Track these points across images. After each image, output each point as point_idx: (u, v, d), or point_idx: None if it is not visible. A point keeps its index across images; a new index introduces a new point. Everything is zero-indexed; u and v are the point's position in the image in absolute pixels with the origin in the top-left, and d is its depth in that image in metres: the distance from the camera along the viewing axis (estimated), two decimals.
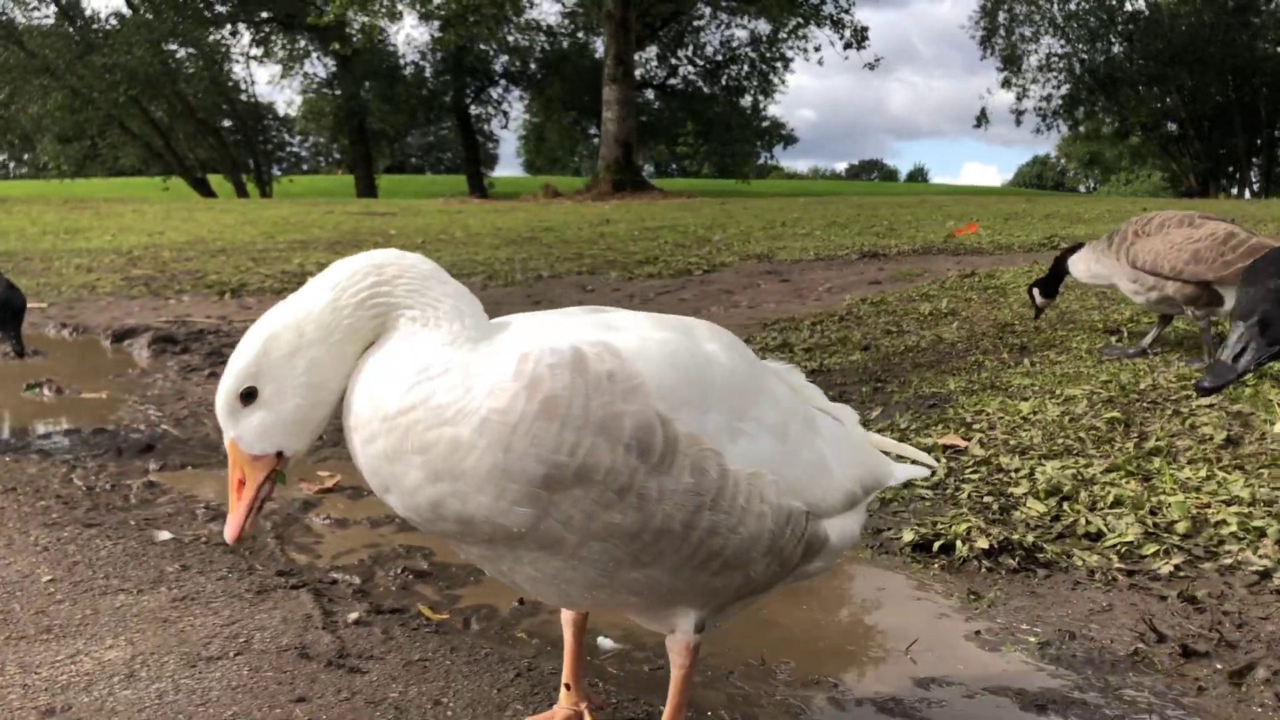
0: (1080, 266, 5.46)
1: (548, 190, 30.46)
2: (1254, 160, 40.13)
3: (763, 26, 40.18)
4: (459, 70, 44.04)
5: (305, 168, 58.69)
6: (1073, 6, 37.97)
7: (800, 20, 34.40)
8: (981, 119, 40.89)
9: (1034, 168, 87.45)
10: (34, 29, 37.65)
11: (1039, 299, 5.79)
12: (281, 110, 48.92)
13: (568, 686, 2.03)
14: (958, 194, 37.75)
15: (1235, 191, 38.33)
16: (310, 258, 12.29)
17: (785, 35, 37.21)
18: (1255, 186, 39.96)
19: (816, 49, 36.16)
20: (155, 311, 8.95)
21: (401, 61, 44.56)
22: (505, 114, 47.19)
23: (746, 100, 44.35)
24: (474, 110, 46.78)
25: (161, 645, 2.34)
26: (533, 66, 44.48)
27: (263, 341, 1.58)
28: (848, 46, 33.13)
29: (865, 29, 32.77)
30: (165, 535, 3.20)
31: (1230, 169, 40.37)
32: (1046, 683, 2.29)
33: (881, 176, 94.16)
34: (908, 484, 3.60)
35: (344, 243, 14.89)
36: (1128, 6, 37.78)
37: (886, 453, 2.16)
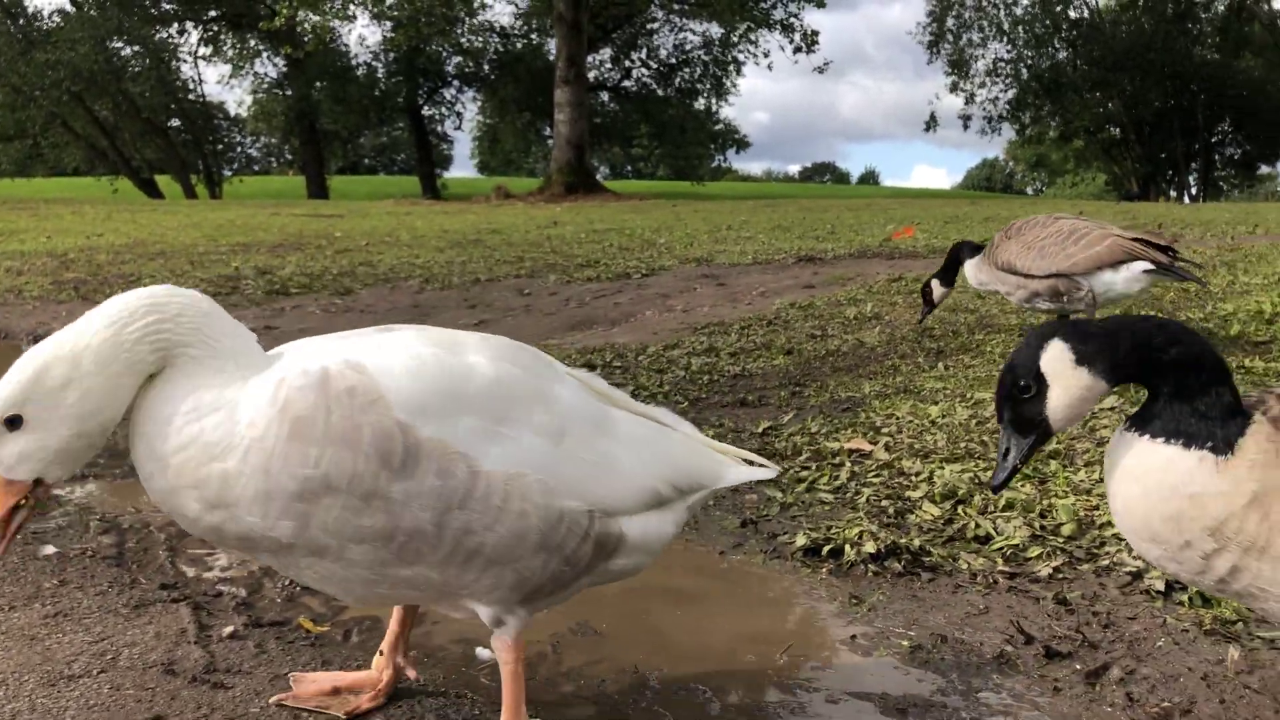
0: (970, 274, 5.75)
1: (499, 192, 30.34)
2: (1192, 165, 41.03)
3: (715, 30, 40.36)
4: (412, 71, 43.75)
5: (256, 168, 57.97)
6: (1019, 12, 38.59)
7: (751, 24, 34.61)
8: (931, 123, 41.42)
9: (983, 170, 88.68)
10: None
11: (937, 291, 5.93)
12: (232, 110, 48.24)
13: (381, 652, 2.18)
14: (906, 197, 38.19)
15: (1174, 195, 39.17)
16: (249, 261, 12.16)
17: (736, 39, 37.39)
18: (1193, 190, 40.88)
19: (766, 54, 36.43)
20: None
21: (353, 62, 44.16)
22: (459, 115, 46.96)
23: (700, 103, 44.51)
24: (427, 111, 46.49)
25: (25, 664, 2.31)
26: (486, 68, 44.30)
27: (35, 370, 1.62)
28: (797, 50, 33.38)
29: (815, 33, 33.07)
30: (50, 549, 3.15)
31: (1169, 173, 41.25)
32: (912, 687, 2.33)
33: (834, 179, 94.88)
34: (754, 487, 3.66)
35: (286, 245, 14.73)
36: (1071, 13, 38.44)
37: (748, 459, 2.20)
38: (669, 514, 2.05)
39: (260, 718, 2.08)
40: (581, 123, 31.37)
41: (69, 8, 38.89)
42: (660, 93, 44.31)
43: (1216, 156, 42.24)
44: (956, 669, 2.41)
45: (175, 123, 44.24)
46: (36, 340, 7.52)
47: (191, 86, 45.47)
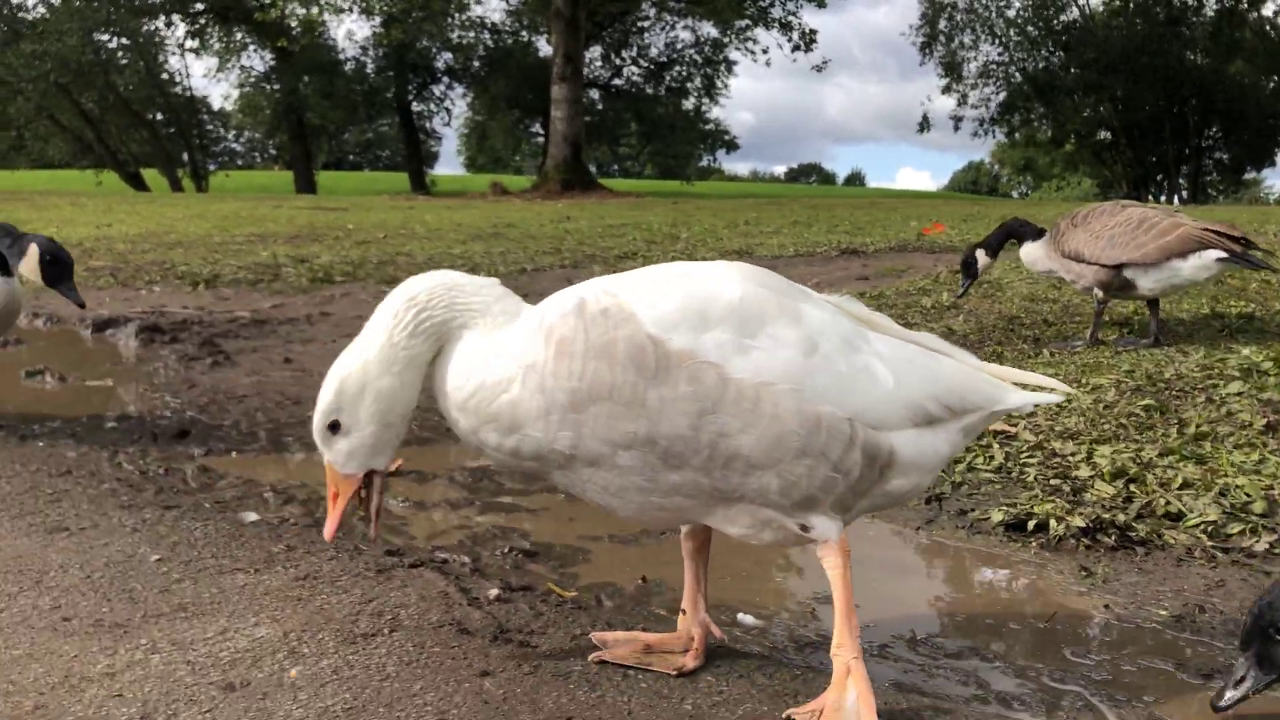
0: (1029, 257, 5.77)
1: (496, 188, 30.20)
2: (1182, 168, 41.51)
3: (707, 29, 40.38)
4: (401, 66, 43.44)
5: (240, 163, 57.39)
6: (1011, 14, 38.87)
7: (749, 22, 34.65)
8: (925, 124, 41.65)
9: (969, 173, 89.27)
10: None
11: (981, 260, 5.95)
12: (217, 104, 47.79)
13: (683, 612, 2.21)
14: (900, 197, 38.37)
15: (1164, 199, 39.61)
16: (280, 251, 12.04)
17: (731, 38, 37.43)
18: (1184, 194, 41.35)
19: (764, 51, 36.49)
20: (127, 302, 8.67)
21: (342, 57, 43.82)
22: (448, 111, 46.70)
23: (689, 102, 44.52)
24: (416, 107, 46.21)
25: (308, 623, 2.27)
26: (476, 64, 44.09)
27: (338, 382, 1.93)
28: (795, 49, 33.47)
29: (814, 32, 33.15)
30: (252, 516, 3.10)
31: (1159, 176, 41.70)
32: (1200, 653, 2.33)
33: (820, 180, 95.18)
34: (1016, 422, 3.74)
35: (303, 236, 14.61)
36: (1064, 16, 38.78)
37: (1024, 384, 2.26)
38: (941, 433, 2.10)
39: (584, 675, 2.05)
40: (578, 120, 31.28)
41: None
42: (650, 91, 44.29)
43: (1207, 161, 42.77)
44: (1232, 636, 2.41)
45: (160, 116, 43.72)
46: (94, 326, 7.42)
47: (178, 79, 44.97)
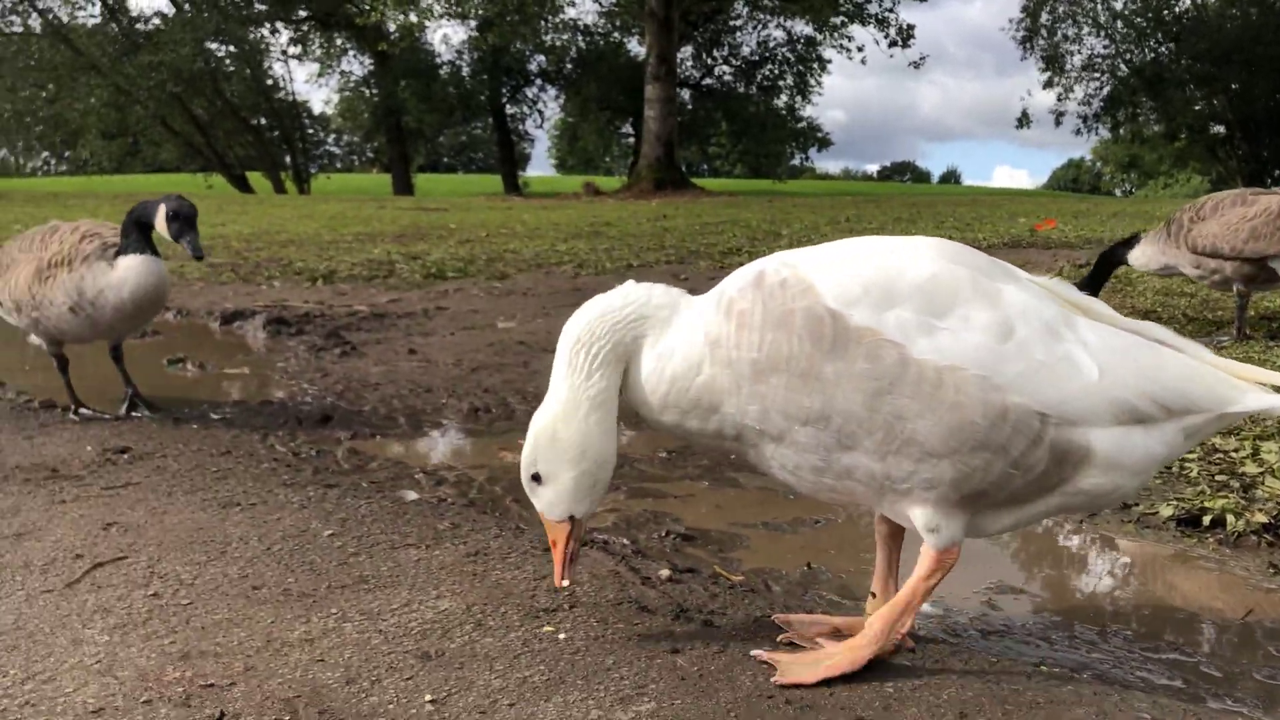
0: (1142, 258, 5.54)
1: (589, 189, 30.41)
2: None
3: (800, 27, 39.98)
4: (496, 69, 44.01)
5: (339, 166, 58.89)
6: (1118, 6, 37.60)
7: (844, 19, 34.22)
8: (1024, 120, 40.57)
9: (1068, 171, 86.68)
10: (80, 28, 37.90)
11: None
12: (317, 109, 49.09)
13: (873, 595, 2.16)
14: (1001, 195, 37.43)
15: None
16: (391, 250, 12.28)
17: (825, 35, 37.00)
18: None
19: (860, 49, 35.92)
20: (249, 296, 8.93)
21: (438, 61, 44.60)
22: (540, 113, 47.15)
23: (781, 100, 44.15)
24: (509, 109, 46.77)
25: (488, 597, 2.28)
26: (568, 66, 44.44)
27: (534, 436, 1.97)
28: (892, 45, 32.92)
29: (911, 27, 32.52)
30: (412, 495, 3.14)
31: (1277, 172, 39.81)
32: None
33: (914, 178, 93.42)
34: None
35: (408, 235, 14.90)
36: (1176, 7, 37.35)
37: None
38: (1155, 433, 1.92)
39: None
40: (671, 119, 31.26)
41: (169, 9, 39.87)
42: (741, 90, 44.06)
43: None
44: None
45: (264, 120, 45.06)
46: (222, 318, 7.65)
47: (281, 85, 46.32)
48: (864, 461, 1.86)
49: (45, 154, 49.29)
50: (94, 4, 38.30)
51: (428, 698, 1.82)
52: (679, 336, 1.93)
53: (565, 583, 2.03)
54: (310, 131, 51.13)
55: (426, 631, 2.10)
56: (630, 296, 1.98)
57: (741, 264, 2.08)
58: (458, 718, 1.76)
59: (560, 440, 1.95)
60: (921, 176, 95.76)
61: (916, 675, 1.95)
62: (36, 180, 48.08)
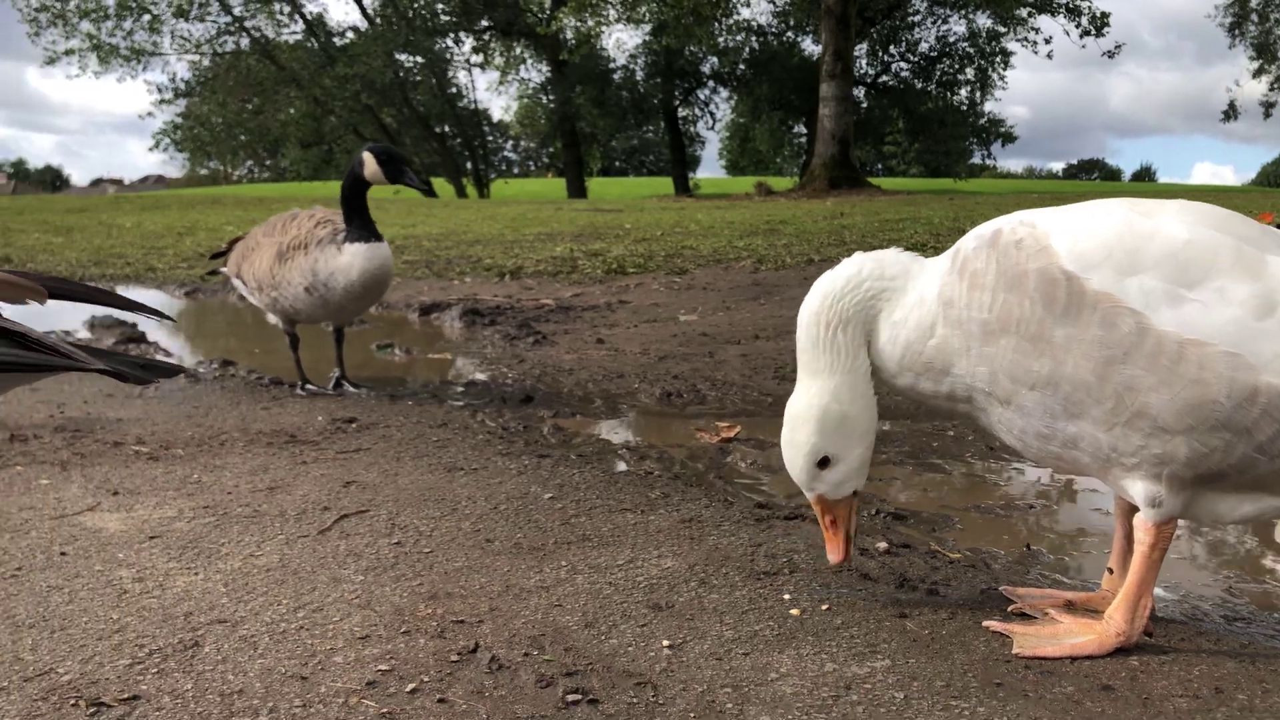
0: None
1: (761, 189, 30.27)
2: None
3: (982, 20, 38.61)
4: (669, 72, 44.43)
5: (516, 171, 60.78)
6: None
7: (1031, 10, 32.83)
8: (1230, 113, 37.89)
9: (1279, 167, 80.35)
10: (283, 45, 40.53)
11: None
12: (495, 116, 50.82)
13: (1109, 571, 2.11)
14: (1203, 192, 35.11)
15: None
16: (573, 248, 12.60)
17: (1011, 28, 35.59)
18: None
19: (1047, 41, 34.39)
20: (443, 290, 9.34)
21: (612, 66, 45.39)
22: (712, 115, 47.31)
23: (961, 95, 42.75)
24: (681, 112, 47.12)
25: (708, 559, 2.34)
26: (741, 67, 44.40)
27: (817, 422, 1.97)
28: (1085, 35, 31.34)
29: (1105, 15, 30.84)
30: (622, 466, 3.24)
31: None
32: None
33: (1103, 176, 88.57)
34: None
35: (586, 235, 15.23)
36: None
37: None
38: None
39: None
40: (847, 117, 30.73)
41: (362, 23, 42.11)
42: (919, 86, 42.92)
43: None
44: None
45: (448, 128, 46.92)
46: (420, 310, 8.03)
47: (464, 94, 48.14)
48: (1090, 431, 1.81)
49: (249, 163, 52.93)
50: (296, 22, 40.88)
51: (664, 643, 1.89)
52: (913, 302, 1.94)
53: (840, 559, 2.02)
54: (490, 139, 52.96)
55: (654, 586, 2.17)
56: (865, 270, 1.98)
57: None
58: (695, 663, 1.81)
59: (850, 420, 1.97)
60: (1111, 174, 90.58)
61: (1162, 652, 1.88)
62: (242, 187, 51.82)
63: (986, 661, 1.82)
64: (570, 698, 1.66)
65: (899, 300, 1.96)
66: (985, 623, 1.97)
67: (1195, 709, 1.65)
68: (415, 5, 41.48)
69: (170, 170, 76.85)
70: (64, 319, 7.39)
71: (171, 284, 10.00)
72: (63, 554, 2.35)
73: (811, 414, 1.96)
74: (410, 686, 1.71)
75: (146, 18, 38.07)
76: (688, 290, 8.90)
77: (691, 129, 49.19)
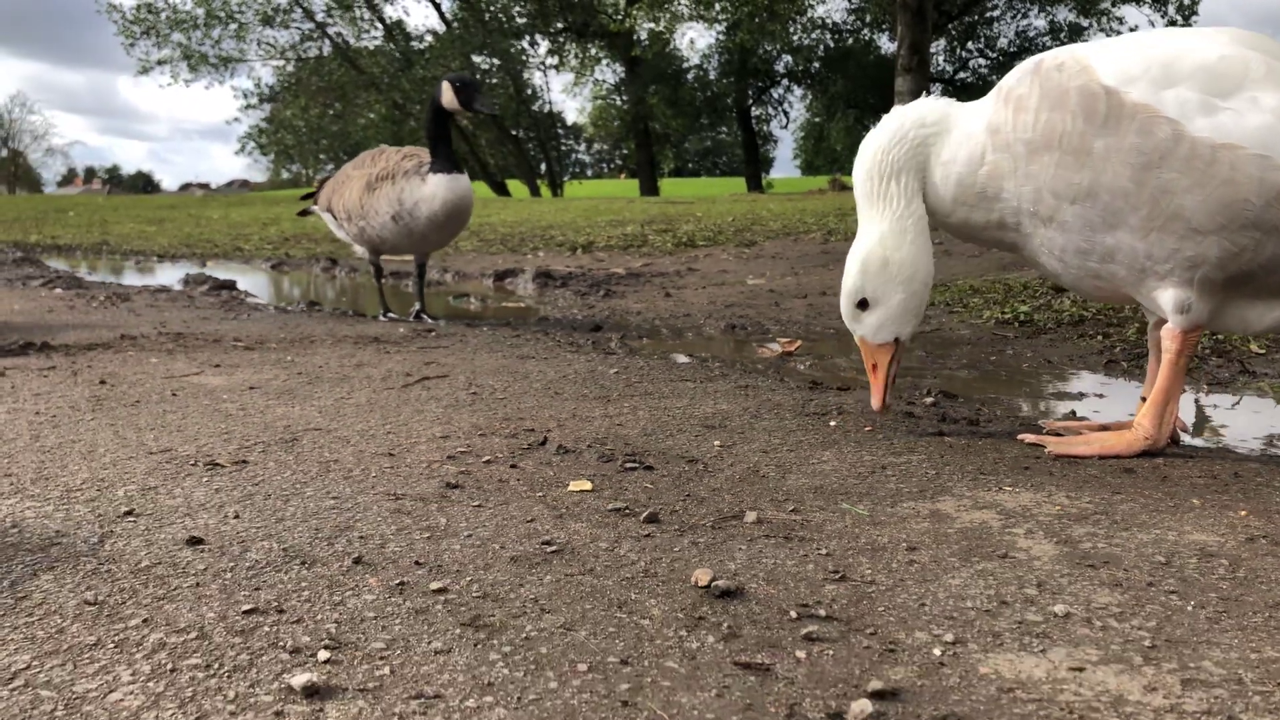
0: None
1: (834, 184, 30.21)
2: None
3: (1063, 14, 37.92)
4: (742, 71, 44.46)
5: (589, 173, 61.37)
6: None
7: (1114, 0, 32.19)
8: None
9: None
10: (363, 49, 41.59)
11: None
12: (569, 118, 51.35)
13: (1143, 399, 2.16)
14: None
15: None
16: (643, 228, 12.81)
17: (1093, 21, 34.93)
18: None
19: (1133, 29, 33.65)
20: (516, 262, 9.61)
21: (685, 65, 45.60)
22: (785, 114, 47.20)
23: None
24: (755, 111, 47.10)
25: (761, 405, 2.50)
26: (816, 65, 44.22)
27: (859, 263, 2.08)
28: (1171, 24, 30.63)
29: (1194, 2, 30.13)
30: (683, 359, 3.41)
31: None
32: None
33: None
34: None
35: (655, 221, 15.44)
36: None
37: None
38: None
39: (1031, 451, 2.10)
40: None
41: (439, 27, 43.00)
42: (997, 82, 42.25)
43: None
44: None
45: (523, 130, 47.55)
46: (495, 275, 8.29)
47: (539, 95, 48.79)
48: (1127, 241, 1.90)
49: (330, 166, 54.32)
50: (376, 27, 41.92)
51: (715, 442, 2.05)
52: (959, 139, 2.04)
53: (883, 405, 2.10)
54: (564, 141, 53.51)
55: (709, 417, 2.33)
56: (908, 120, 2.08)
57: None
58: (742, 454, 1.97)
59: (892, 264, 2.05)
60: None
61: (1189, 456, 1.98)
62: None
63: (1017, 458, 1.95)
64: (628, 464, 1.84)
65: (945, 140, 2.06)
66: (1019, 436, 2.09)
67: (1211, 486, 1.76)
68: (492, 8, 42.26)
69: (254, 175, 79.45)
70: (160, 276, 7.82)
71: (258, 260, 10.45)
72: (174, 394, 2.60)
73: (857, 256, 2.09)
74: (485, 459, 1.90)
75: (234, 26, 39.42)
76: (756, 259, 9.03)
77: (765, 128, 49.13)
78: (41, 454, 1.95)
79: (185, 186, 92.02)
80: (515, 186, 46.71)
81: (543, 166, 49.31)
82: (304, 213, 5.52)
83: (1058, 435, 2.14)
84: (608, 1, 39.94)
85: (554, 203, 25.67)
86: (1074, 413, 2.75)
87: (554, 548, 1.38)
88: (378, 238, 4.65)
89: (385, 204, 4.51)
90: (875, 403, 2.12)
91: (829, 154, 51.92)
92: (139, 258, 10.73)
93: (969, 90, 42.49)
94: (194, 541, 1.39)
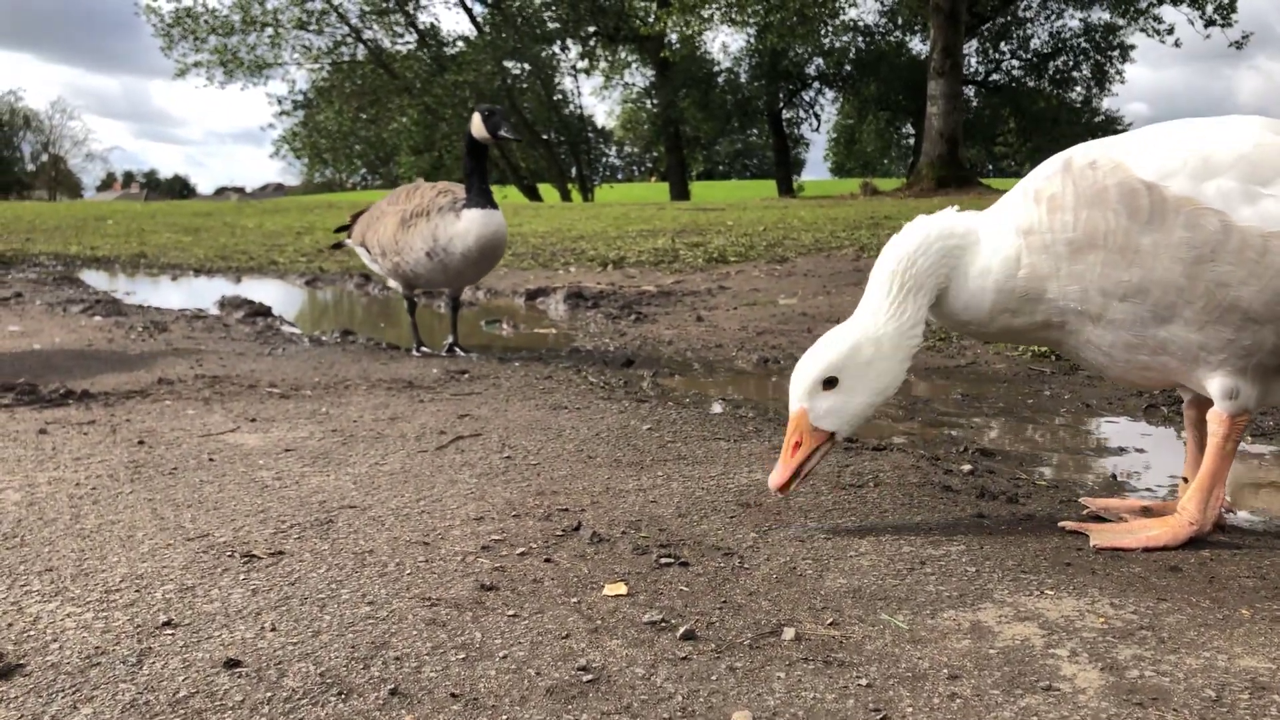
0: None
1: (866, 188, 30.03)
2: None
3: (1098, 14, 37.50)
4: (773, 74, 44.31)
5: (620, 177, 61.44)
6: None
7: (1151, 1, 31.75)
8: None
9: None
10: (396, 54, 41.88)
11: None
12: (600, 122, 51.47)
13: (1184, 480, 2.17)
14: None
15: None
16: (675, 240, 12.80)
17: (1129, 21, 34.49)
18: None
19: (1169, 31, 33.21)
20: (548, 279, 9.62)
21: (716, 68, 45.53)
22: (817, 116, 47.01)
23: (1075, 93, 41.55)
24: (785, 114, 46.94)
25: (838, 526, 2.47)
26: (847, 67, 44.00)
27: (850, 345, 2.00)
28: (1209, 25, 30.19)
29: (1231, 2, 29.64)
30: (718, 408, 3.39)
31: None
32: None
33: None
34: None
35: (688, 230, 15.41)
36: None
37: None
38: None
39: (1059, 544, 2.07)
40: (956, 115, 30.18)
41: (471, 32, 43.19)
42: (1031, 84, 41.87)
43: None
44: None
45: (554, 134, 47.69)
46: (527, 294, 8.32)
47: (570, 99, 48.89)
48: (1180, 334, 1.88)
49: (364, 170, 54.70)
50: (410, 32, 42.19)
51: (751, 531, 2.03)
52: (990, 250, 1.99)
53: (784, 488, 1.99)
54: (595, 145, 53.61)
55: (743, 491, 2.31)
56: (933, 232, 2.02)
57: None
58: (779, 544, 1.95)
59: (873, 367, 1.99)
60: None
61: (1236, 547, 1.94)
62: (356, 194, 53.66)
63: (1059, 550, 1.91)
64: (663, 560, 1.82)
65: (974, 253, 2.00)
66: (1061, 523, 2.06)
67: (1261, 588, 1.72)
68: (524, 13, 42.41)
69: (289, 178, 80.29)
70: (195, 299, 7.91)
71: (292, 274, 10.54)
72: (210, 459, 2.62)
73: (850, 339, 2.00)
74: (520, 550, 1.89)
75: (269, 31, 39.79)
76: (788, 277, 8.99)
77: (796, 131, 48.95)
78: (81, 539, 1.97)
79: (220, 190, 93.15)
80: (546, 190, 46.87)
81: (574, 170, 49.45)
82: (337, 245, 5.55)
83: (1099, 519, 2.10)
84: (638, 5, 39.97)
85: (585, 209, 25.71)
86: (1114, 477, 2.71)
87: (590, 676, 1.37)
88: (412, 273, 4.67)
89: (420, 240, 4.52)
90: (775, 480, 2.00)
91: (860, 157, 51.64)
92: (175, 271, 10.85)
93: (1001, 92, 42.11)
94: (231, 665, 1.39)
